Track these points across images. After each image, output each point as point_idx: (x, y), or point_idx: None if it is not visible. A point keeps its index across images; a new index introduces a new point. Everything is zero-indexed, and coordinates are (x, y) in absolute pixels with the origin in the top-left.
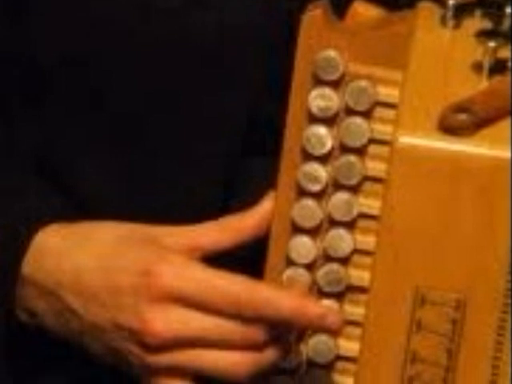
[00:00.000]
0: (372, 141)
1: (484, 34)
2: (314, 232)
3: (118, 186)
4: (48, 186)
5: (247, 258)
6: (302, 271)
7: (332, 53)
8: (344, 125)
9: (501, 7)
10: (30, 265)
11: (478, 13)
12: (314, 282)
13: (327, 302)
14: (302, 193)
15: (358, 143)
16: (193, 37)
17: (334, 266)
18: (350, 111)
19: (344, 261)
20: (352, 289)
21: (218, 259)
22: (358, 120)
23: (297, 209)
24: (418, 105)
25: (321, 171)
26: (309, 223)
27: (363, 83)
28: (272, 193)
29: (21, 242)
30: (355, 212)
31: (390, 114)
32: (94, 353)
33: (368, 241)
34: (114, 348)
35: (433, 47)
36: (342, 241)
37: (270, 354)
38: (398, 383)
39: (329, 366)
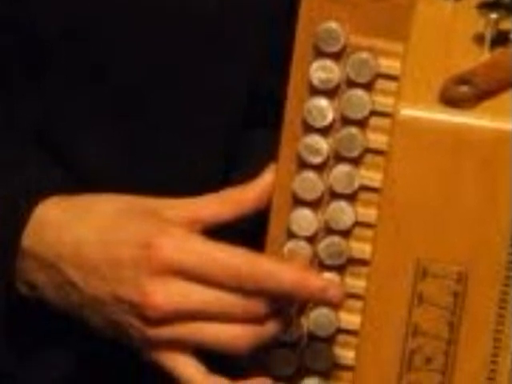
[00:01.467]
0: (373, 113)
1: (486, 6)
2: (315, 204)
3: (119, 159)
4: (48, 158)
5: (248, 231)
6: (303, 244)
7: (333, 24)
8: (345, 97)
9: None
10: (30, 237)
11: None
12: (315, 255)
13: (328, 275)
14: (303, 165)
15: (359, 115)
16: (194, 10)
17: (336, 239)
18: (351, 83)
19: (345, 233)
20: (353, 261)
21: (219, 232)
22: (360, 92)
23: (298, 181)
24: (420, 77)
25: (322, 143)
26: (310, 196)
27: (364, 55)
28: (273, 165)
29: (21, 215)
30: (356, 184)
31: (391, 85)
32: (94, 326)
33: (369, 213)
34: (114, 321)
35: (434, 19)
36: (343, 213)
37: (270, 327)
38: (399, 356)
39: (330, 339)
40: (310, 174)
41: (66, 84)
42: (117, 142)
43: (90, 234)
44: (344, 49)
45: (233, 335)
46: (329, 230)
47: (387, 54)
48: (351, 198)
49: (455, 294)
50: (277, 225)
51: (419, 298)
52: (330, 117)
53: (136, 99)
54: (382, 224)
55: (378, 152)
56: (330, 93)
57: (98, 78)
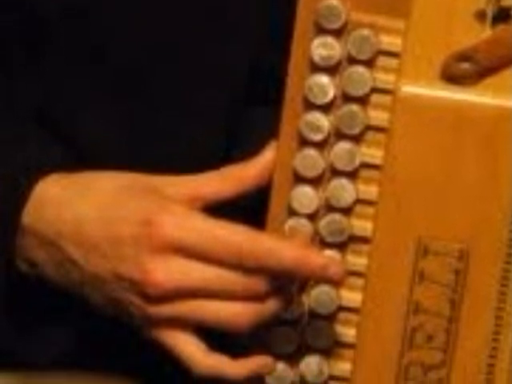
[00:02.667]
0: (374, 90)
1: None
2: (316, 182)
3: (119, 137)
4: (48, 136)
5: (249, 208)
6: (304, 221)
7: (334, 1)
8: (346, 74)
9: None
10: (30, 215)
11: None
12: (316, 233)
13: (329, 253)
14: (304, 142)
15: (360, 92)
16: None
17: (337, 216)
18: (352, 60)
19: (346, 211)
20: (354, 239)
21: (220, 209)
22: (361, 69)
23: (299, 158)
24: (421, 54)
25: (323, 120)
26: (311, 173)
27: (365, 32)
28: (274, 142)
29: (21, 192)
30: (357, 162)
31: (392, 62)
32: (95, 304)
33: (370, 191)
34: (114, 299)
35: None
36: (344, 191)
37: (271, 305)
38: (400, 334)
39: (331, 317)
40: (311, 151)
41: (66, 62)
42: (117, 120)
43: (90, 211)
44: (345, 26)
45: (233, 313)
46: (330, 208)
47: (388, 30)
48: (352, 175)
49: (456, 272)
50: (278, 202)
51: (420, 276)
52: (330, 94)
53: (136, 77)
54: (383, 201)
55: (379, 129)
56: (331, 70)
57: (98, 56)
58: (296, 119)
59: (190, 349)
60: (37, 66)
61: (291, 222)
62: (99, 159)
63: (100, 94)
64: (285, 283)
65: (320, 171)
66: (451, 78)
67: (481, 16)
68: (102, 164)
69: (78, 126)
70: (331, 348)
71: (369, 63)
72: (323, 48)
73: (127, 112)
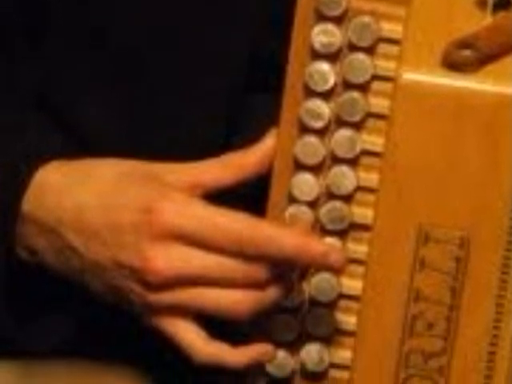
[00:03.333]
0: (375, 77)
1: None
2: (316, 169)
3: (118, 122)
4: (49, 123)
5: (249, 196)
6: (304, 209)
7: None
8: (347, 61)
9: None
10: (30, 202)
11: None
12: (317, 220)
13: (330, 240)
14: (305, 129)
15: (361, 79)
16: None
17: (337, 204)
18: (352, 47)
19: (347, 198)
20: (355, 226)
21: (220, 196)
22: (361, 56)
23: (299, 146)
24: (422, 41)
25: (323, 108)
26: (311, 160)
27: (366, 19)
28: (274, 130)
29: (21, 180)
30: (358, 149)
31: (393, 49)
32: (95, 291)
33: (371, 178)
34: (114, 286)
35: None
36: (344, 178)
37: (272, 293)
38: (401, 322)
39: (331, 305)
40: (312, 139)
41: (66, 47)
42: (117, 106)
43: (90, 198)
44: (346, 13)
45: (233, 300)
46: (330, 195)
47: (389, 17)
48: (353, 162)
49: (457, 259)
50: (278, 189)
51: (421, 263)
52: (331, 81)
53: (136, 62)
54: (384, 189)
55: (379, 116)
56: (332, 57)
57: (98, 40)
58: (296, 106)
59: (191, 336)
60: (37, 51)
61: (292, 210)
62: (99, 146)
63: (100, 80)
64: (285, 271)
65: (320, 158)
66: (452, 65)
67: (481, 3)
68: (103, 151)
69: (78, 112)
70: (332, 336)
71: (369, 50)
72: (324, 35)
73: (127, 98)
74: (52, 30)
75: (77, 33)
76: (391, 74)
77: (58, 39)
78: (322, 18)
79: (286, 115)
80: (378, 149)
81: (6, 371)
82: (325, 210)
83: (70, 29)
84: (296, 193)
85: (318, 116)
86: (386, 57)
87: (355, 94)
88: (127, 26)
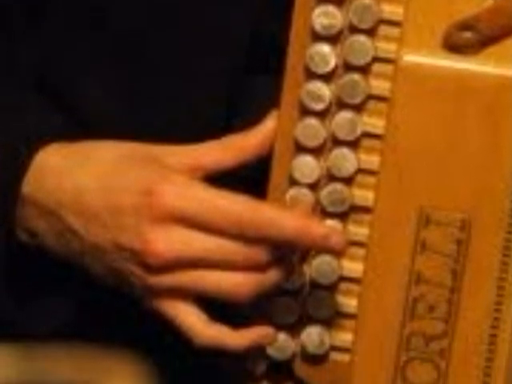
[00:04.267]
0: (376, 59)
1: None
2: (317, 151)
3: (119, 104)
4: (49, 104)
5: (250, 178)
6: (305, 191)
7: None
8: (348, 43)
9: None
10: (30, 184)
11: None
12: (318, 202)
13: (331, 222)
14: (306, 112)
15: (361, 61)
16: None
17: (338, 186)
18: (353, 29)
19: (348, 180)
20: (356, 209)
21: (221, 179)
22: (362, 38)
23: (300, 128)
24: (423, 23)
25: (324, 90)
26: (312, 142)
27: (367, 1)
28: (275, 112)
29: (21, 162)
30: (359, 131)
31: (394, 31)
32: (95, 274)
33: (372, 160)
34: (115, 269)
35: None
36: (345, 160)
37: (272, 275)
38: (402, 304)
39: (332, 287)
40: (313, 121)
41: (66, 27)
42: (117, 86)
43: (90, 180)
44: None
45: (234, 283)
46: (331, 177)
47: None
48: (354, 144)
49: (458, 242)
50: (279, 172)
51: (422, 246)
52: (332, 63)
53: (136, 42)
54: (385, 171)
55: (380, 98)
56: (333, 39)
57: (98, 20)
58: (297, 88)
59: (191, 319)
60: (37, 31)
61: (292, 192)
62: (99, 127)
63: (100, 60)
64: (286, 253)
65: (321, 141)
66: (453, 47)
67: None
68: (103, 132)
69: (78, 93)
70: (332, 318)
71: (370, 32)
72: (325, 17)
73: (127, 78)
74: (51, 10)
75: (76, 12)
76: (392, 56)
77: (58, 19)
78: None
79: (287, 97)
80: (378, 131)
81: (6, 354)
82: (325, 192)
83: (70, 8)
84: (297, 175)
85: (319, 98)
86: (387, 39)
87: (356, 76)
88: (127, 6)
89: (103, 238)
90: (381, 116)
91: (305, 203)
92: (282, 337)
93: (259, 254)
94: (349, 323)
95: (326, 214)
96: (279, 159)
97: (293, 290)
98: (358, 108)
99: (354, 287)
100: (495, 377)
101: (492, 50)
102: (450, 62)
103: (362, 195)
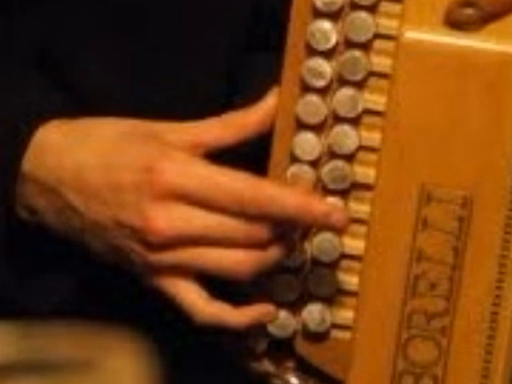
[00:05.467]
0: (377, 36)
1: None
2: (318, 128)
3: (119, 80)
4: (49, 81)
5: (251, 155)
6: (306, 168)
7: None
8: (349, 19)
9: None
10: (30, 161)
11: None
12: (319, 179)
13: (332, 200)
14: (307, 88)
15: (363, 38)
16: None
17: (339, 163)
18: (354, 5)
19: (349, 157)
20: (357, 186)
21: (221, 156)
22: (363, 14)
23: (301, 105)
24: None
25: (325, 66)
26: (313, 119)
27: None
28: (276, 89)
29: (21, 139)
30: (360, 108)
31: (395, 8)
32: (96, 251)
33: (373, 137)
34: (115, 246)
35: None
36: (346, 137)
37: (273, 253)
38: (403, 282)
39: (333, 265)
40: (314, 98)
41: (66, 3)
42: (117, 62)
43: (90, 158)
44: None
45: (235, 260)
46: (332, 154)
47: None
48: (355, 121)
49: (460, 219)
50: (280, 149)
51: (424, 223)
52: (333, 40)
53: (137, 18)
54: (386, 148)
55: (381, 75)
56: (334, 15)
57: None
58: (298, 65)
59: (192, 297)
60: (37, 7)
61: (293, 169)
62: (100, 104)
63: (100, 36)
64: (287, 231)
65: (322, 118)
66: (454, 23)
67: None
68: (103, 108)
69: (78, 69)
70: (333, 296)
71: (371, 9)
72: None
73: (127, 53)
74: None
75: None
76: (393, 32)
77: None
78: None
79: (288, 74)
80: (380, 108)
81: (6, 332)
82: (327, 169)
83: None
84: (298, 152)
85: (320, 75)
86: (388, 15)
87: (357, 53)
88: None
89: (103, 215)
90: (382, 93)
91: (306, 180)
92: (283, 314)
93: (260, 231)
94: (350, 301)
95: (327, 191)
96: (280, 136)
97: (294, 267)
98: (359, 85)
99: (356, 265)
100: (497, 354)
101: (494, 26)
102: (451, 39)
103: (364, 172)
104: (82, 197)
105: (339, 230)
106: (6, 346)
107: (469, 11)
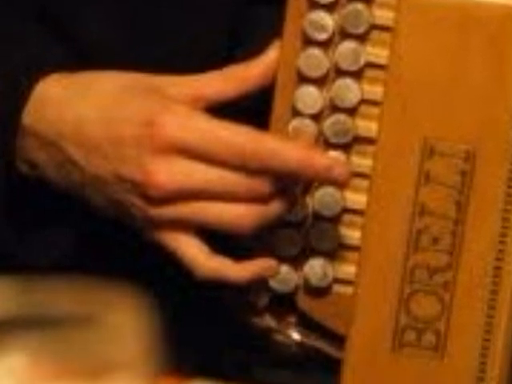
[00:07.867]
0: None
1: None
2: (320, 82)
3: (120, 34)
4: (50, 34)
5: (252, 109)
6: (308, 122)
7: None
8: None
9: None
10: (30, 115)
11: None
12: (321, 133)
13: (334, 154)
14: (308, 42)
15: None
16: None
17: (341, 117)
18: None
19: (351, 111)
20: (359, 140)
21: (223, 110)
22: None
23: (303, 58)
24: None
25: (327, 19)
26: (315, 72)
27: None
28: (277, 42)
29: (21, 92)
30: (362, 61)
31: None
32: (96, 205)
33: (375, 91)
34: (116, 200)
35: None
36: (348, 91)
37: (275, 207)
38: (405, 236)
39: (335, 219)
40: (315, 51)
41: None
42: (118, 16)
43: (91, 111)
44: None
45: (236, 214)
46: (334, 108)
47: None
48: (357, 75)
49: (463, 173)
50: (281, 102)
51: (426, 177)
52: None
53: None
54: (389, 102)
55: (384, 28)
56: None
57: None
58: (300, 18)
59: (193, 251)
60: None
61: (295, 123)
62: (101, 58)
63: None
64: (288, 185)
65: (324, 71)
66: None
67: None
68: (103, 63)
69: (79, 23)
70: (335, 250)
71: None
72: None
73: (128, 7)
74: None
75: None
76: None
77: None
78: None
79: (290, 27)
80: (382, 61)
81: (6, 287)
82: (329, 122)
83: None
84: (299, 106)
85: (322, 28)
86: None
87: (359, 6)
88: None
89: (104, 169)
90: (384, 46)
91: (308, 134)
92: (285, 269)
93: (261, 185)
94: (352, 255)
95: (329, 145)
96: (282, 90)
97: (295, 221)
98: (362, 38)
99: (358, 219)
100: (499, 309)
101: None
102: None
103: (366, 126)
104: (83, 151)
105: (341, 184)
106: (6, 300)
107: None
